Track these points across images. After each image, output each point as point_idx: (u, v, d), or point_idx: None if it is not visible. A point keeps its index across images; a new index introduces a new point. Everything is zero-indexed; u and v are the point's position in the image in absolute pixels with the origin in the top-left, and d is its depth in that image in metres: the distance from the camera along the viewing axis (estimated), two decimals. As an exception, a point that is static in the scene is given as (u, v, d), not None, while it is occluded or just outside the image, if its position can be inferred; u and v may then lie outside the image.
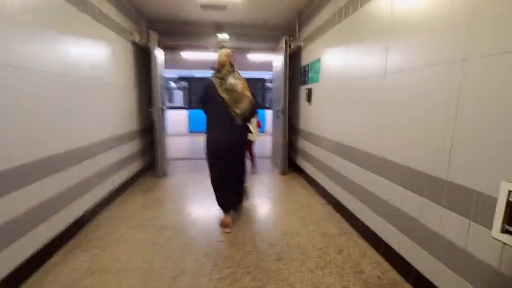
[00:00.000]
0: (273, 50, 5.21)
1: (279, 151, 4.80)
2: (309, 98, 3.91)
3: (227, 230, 2.55)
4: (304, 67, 4.22)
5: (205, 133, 2.64)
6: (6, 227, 1.67)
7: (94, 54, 2.90)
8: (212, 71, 2.60)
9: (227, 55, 2.54)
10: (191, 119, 10.05)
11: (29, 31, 1.90)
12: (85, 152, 2.66)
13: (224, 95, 2.44)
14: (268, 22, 4.91)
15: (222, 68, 2.52)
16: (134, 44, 4.16)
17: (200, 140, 7.97)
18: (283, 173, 4.61)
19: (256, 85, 10.39)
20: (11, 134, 1.72)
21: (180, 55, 9.86)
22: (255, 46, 5.36)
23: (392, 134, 1.99)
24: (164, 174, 4.42)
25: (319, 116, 3.62)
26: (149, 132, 4.65)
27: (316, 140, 3.74)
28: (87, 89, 2.72)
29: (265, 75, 10.36)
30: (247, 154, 3.57)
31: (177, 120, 9.97)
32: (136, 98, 4.27)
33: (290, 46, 4.29)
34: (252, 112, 2.58)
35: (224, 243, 2.38)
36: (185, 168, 5.15)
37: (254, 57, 9.36)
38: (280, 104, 4.47)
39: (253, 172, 4.66)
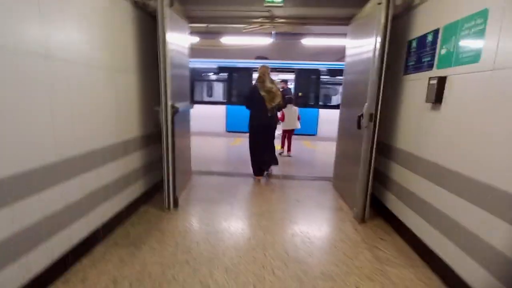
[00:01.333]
0: (348, 20, 3.35)
1: (351, 179, 2.98)
2: (437, 95, 1.99)
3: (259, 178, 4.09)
4: (421, 39, 2.29)
5: (249, 119, 4.03)
6: None
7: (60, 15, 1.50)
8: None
9: (265, 69, 3.87)
10: (229, 116, 8.63)
11: None
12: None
13: (263, 94, 3.77)
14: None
15: (263, 77, 3.84)
16: (137, 6, 2.72)
17: (236, 145, 6.47)
18: (361, 219, 2.78)
19: (307, 77, 8.49)
20: None
21: (219, 41, 8.49)
22: (320, 13, 3.52)
23: None
24: (174, 205, 2.96)
25: (469, 133, 1.71)
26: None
27: (447, 178, 1.85)
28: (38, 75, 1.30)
29: (321, 66, 8.37)
30: (286, 139, 5.87)
31: (213, 117, 8.66)
32: (139, 89, 2.86)
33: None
34: (280, 106, 4.11)
35: None
36: (213, 190, 3.63)
37: (311, 42, 7.47)
38: (366, 107, 2.61)
39: (289, 152, 5.87)
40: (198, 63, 8.68)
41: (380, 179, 2.95)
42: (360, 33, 3.01)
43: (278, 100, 3.86)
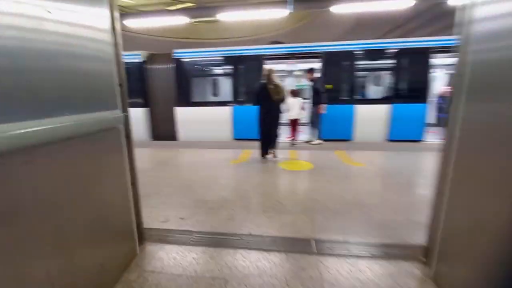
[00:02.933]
0: None
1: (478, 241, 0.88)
2: None
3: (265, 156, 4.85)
4: None
5: (259, 110, 4.75)
6: None
7: None
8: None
9: (271, 70, 4.59)
10: (236, 120, 6.70)
11: None
12: None
13: (271, 87, 4.52)
14: None
15: (270, 74, 4.55)
16: None
17: (241, 165, 4.40)
18: None
19: (338, 62, 6.32)
20: None
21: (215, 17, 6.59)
22: None
23: None
24: None
25: None
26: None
27: None
28: None
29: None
30: (291, 126, 6.33)
31: (215, 122, 6.78)
32: None
33: None
34: (283, 99, 4.69)
35: None
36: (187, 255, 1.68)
37: (345, 9, 5.36)
38: None
39: (293, 140, 6.22)
40: (195, 54, 6.84)
41: None
42: None
43: (282, 94, 4.63)
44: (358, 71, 6.29)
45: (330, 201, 2.88)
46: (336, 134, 6.36)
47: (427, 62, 5.90)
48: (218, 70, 7.63)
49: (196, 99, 7.00)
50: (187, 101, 6.85)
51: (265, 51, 6.47)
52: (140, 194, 2.07)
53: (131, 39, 12.69)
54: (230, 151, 5.59)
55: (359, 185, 3.43)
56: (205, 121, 6.81)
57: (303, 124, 8.95)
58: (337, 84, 6.29)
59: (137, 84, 7.00)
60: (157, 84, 7.01)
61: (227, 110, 6.66)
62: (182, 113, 6.92)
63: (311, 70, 5.90)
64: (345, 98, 6.29)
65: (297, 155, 5.15)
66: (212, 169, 4.24)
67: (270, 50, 6.48)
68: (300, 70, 8.80)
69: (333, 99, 6.15)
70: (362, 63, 6.21)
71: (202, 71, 7.19)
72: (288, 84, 8.70)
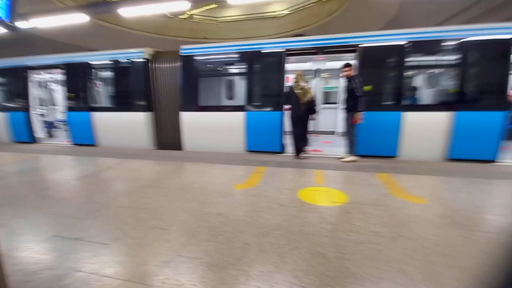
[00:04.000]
0: None
1: None
2: None
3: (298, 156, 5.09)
4: None
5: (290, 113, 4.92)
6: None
7: None
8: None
9: (299, 74, 4.86)
10: (250, 128, 5.57)
11: None
12: None
13: (298, 91, 4.78)
14: None
15: (298, 78, 4.82)
16: None
17: (248, 191, 3.19)
18: None
19: (379, 58, 4.95)
20: None
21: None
22: None
23: None
24: None
25: None
26: None
27: None
28: None
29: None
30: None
31: (225, 130, 5.72)
32: None
33: None
34: (313, 101, 4.93)
35: None
36: None
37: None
38: None
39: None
40: (204, 51, 5.85)
41: None
42: None
43: (309, 96, 4.84)
44: (408, 68, 4.86)
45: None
46: (376, 149, 4.97)
47: (506, 56, 4.34)
48: (230, 69, 6.60)
49: (204, 103, 5.99)
50: (193, 105, 5.87)
51: (288, 45, 5.29)
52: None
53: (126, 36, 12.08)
54: (239, 168, 4.45)
55: (434, 247, 2.10)
56: (214, 129, 5.77)
57: (332, 134, 7.60)
58: (379, 86, 4.92)
59: (139, 86, 6.17)
60: (163, 85, 6.12)
61: (239, 117, 5.55)
62: (187, 119, 5.94)
63: (348, 66, 4.61)
64: (389, 103, 4.89)
65: (324, 177, 3.89)
66: (206, 197, 3.12)
67: (294, 43, 5.29)
68: (327, 70, 7.49)
69: (374, 105, 4.80)
70: (413, 58, 4.78)
71: (210, 70, 6.19)
72: (314, 87, 7.42)
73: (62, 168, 4.87)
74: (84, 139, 6.75)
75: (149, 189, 3.46)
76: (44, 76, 8.19)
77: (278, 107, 5.34)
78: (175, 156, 5.46)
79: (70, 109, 6.79)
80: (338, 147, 6.01)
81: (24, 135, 7.33)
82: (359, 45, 4.89)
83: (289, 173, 4.13)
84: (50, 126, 8.14)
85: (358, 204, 2.89)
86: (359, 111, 4.46)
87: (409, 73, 5.28)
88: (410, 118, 4.74)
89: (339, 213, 2.69)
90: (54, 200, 3.17)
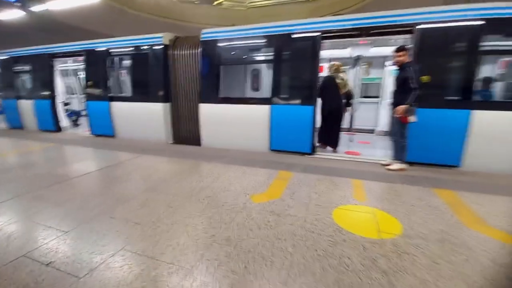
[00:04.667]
0: None
1: None
2: None
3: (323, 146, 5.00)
4: None
5: (322, 105, 4.80)
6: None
7: None
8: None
9: (338, 65, 4.82)
10: (275, 124, 4.84)
11: None
12: None
13: (339, 81, 4.68)
14: None
15: (337, 69, 4.77)
16: None
17: (267, 205, 2.58)
18: None
19: (441, 40, 3.89)
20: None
21: None
22: None
23: None
24: None
25: None
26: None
27: None
28: None
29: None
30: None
31: (248, 124, 5.07)
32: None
33: None
34: (350, 94, 5.13)
35: None
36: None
37: None
38: None
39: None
40: (227, 35, 5.19)
41: None
42: None
43: (348, 88, 4.94)
44: (482, 55, 3.75)
45: None
46: (431, 156, 3.99)
47: None
48: (255, 56, 5.85)
49: (225, 94, 5.36)
50: (213, 97, 5.26)
51: (325, 25, 4.41)
52: None
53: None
54: (260, 172, 3.78)
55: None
56: (235, 124, 5.14)
57: (372, 133, 6.61)
58: (441, 76, 3.88)
59: (157, 74, 5.70)
60: (182, 74, 5.59)
61: (263, 111, 4.84)
62: (206, 112, 5.37)
63: (402, 50, 3.66)
64: (455, 98, 3.85)
65: (365, 190, 3.07)
66: (216, 212, 2.50)
67: (332, 24, 4.39)
68: (370, 58, 6.42)
69: (433, 100, 3.81)
70: (491, 42, 3.66)
71: (233, 57, 5.52)
72: (353, 78, 6.42)
73: (69, 162, 4.58)
74: (102, 130, 6.52)
75: (152, 195, 2.93)
76: (70, 64, 8.15)
77: (309, 101, 4.54)
78: (191, 153, 4.94)
79: (89, 98, 6.58)
80: (378, 149, 5.08)
81: (49, 124, 7.33)
82: (417, 25, 3.87)
83: (320, 182, 3.36)
84: (73, 115, 8.12)
85: (418, 238, 2.08)
86: (410, 105, 3.52)
87: (484, 60, 4.14)
88: (483, 118, 3.67)
89: (393, 252, 1.91)
90: (36, 208, 2.77)
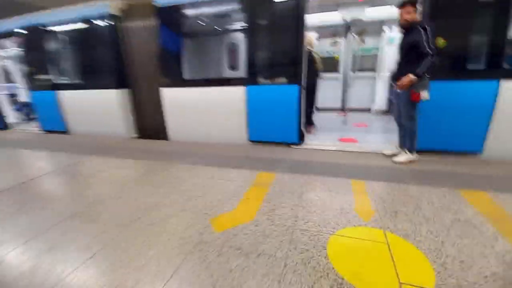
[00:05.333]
0: None
1: None
2: None
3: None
4: None
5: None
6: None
7: None
8: None
9: (310, 38, 4.20)
10: (252, 110, 3.93)
11: None
12: None
13: (315, 56, 4.39)
14: None
15: (310, 43, 4.22)
16: None
17: (236, 231, 1.61)
18: None
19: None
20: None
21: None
22: None
23: None
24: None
25: None
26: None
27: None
28: None
29: None
30: None
31: (221, 110, 4.15)
32: None
33: None
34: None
35: None
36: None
37: None
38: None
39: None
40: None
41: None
42: None
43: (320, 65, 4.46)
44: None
45: None
46: (446, 141, 3.20)
47: None
48: (225, 24, 4.80)
49: (191, 75, 4.37)
50: (176, 79, 4.27)
51: None
52: None
53: None
54: (233, 174, 2.94)
55: None
56: (205, 111, 4.21)
57: (368, 112, 5.80)
58: (459, 38, 2.99)
59: (108, 53, 4.62)
60: (139, 51, 4.53)
61: (238, 93, 3.90)
62: (170, 98, 4.39)
63: (410, 4, 2.74)
64: (477, 67, 2.99)
65: (370, 198, 2.27)
66: (157, 252, 1.66)
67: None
68: (364, 23, 5.42)
69: (447, 70, 2.96)
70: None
71: (197, 27, 4.46)
72: (344, 50, 5.45)
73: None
74: (53, 125, 5.48)
75: (75, 224, 2.06)
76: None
77: (293, 78, 3.62)
78: (153, 151, 4.03)
79: (32, 87, 5.46)
80: (378, 134, 4.28)
81: (-8, 120, 6.21)
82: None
83: (309, 187, 2.55)
84: (23, 108, 6.96)
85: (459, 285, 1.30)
86: (421, 76, 2.69)
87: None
88: (508, 91, 2.85)
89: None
90: None
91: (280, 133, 3.86)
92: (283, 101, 3.71)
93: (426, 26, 2.66)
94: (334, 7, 4.98)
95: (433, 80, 2.81)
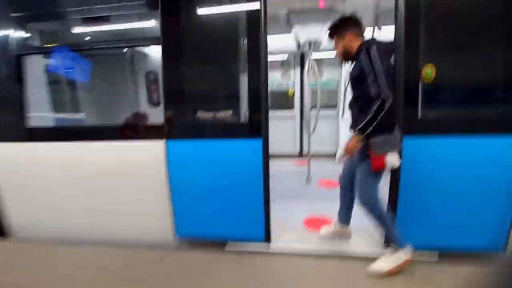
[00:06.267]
0: None
1: None
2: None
3: None
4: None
5: None
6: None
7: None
8: None
9: None
10: (179, 179, 2.11)
11: None
12: None
13: None
14: None
15: None
16: None
17: None
18: None
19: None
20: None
21: None
22: None
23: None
24: None
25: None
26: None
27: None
28: None
29: None
30: None
31: (110, 183, 2.10)
32: None
33: None
34: None
35: None
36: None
37: None
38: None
39: None
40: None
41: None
42: None
43: None
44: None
45: None
46: (456, 236, 1.95)
47: None
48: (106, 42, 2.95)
49: (47, 119, 2.37)
50: (17, 127, 2.18)
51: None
52: None
53: None
54: None
55: None
56: (87, 183, 2.19)
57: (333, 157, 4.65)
58: (458, 68, 1.89)
59: None
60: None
61: (150, 153, 2.07)
62: (7, 162, 2.22)
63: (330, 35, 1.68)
64: (492, 112, 1.89)
65: None
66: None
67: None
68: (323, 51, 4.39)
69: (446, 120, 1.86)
70: None
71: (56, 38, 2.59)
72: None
73: None
74: None
75: None
76: None
77: (254, 129, 2.03)
78: None
79: None
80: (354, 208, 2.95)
81: None
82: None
83: None
84: None
85: None
86: (371, 134, 1.60)
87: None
88: None
89: None
90: None
91: (232, 223, 2.14)
92: (235, 167, 2.06)
93: (371, 46, 1.58)
94: (287, 28, 3.73)
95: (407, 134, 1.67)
